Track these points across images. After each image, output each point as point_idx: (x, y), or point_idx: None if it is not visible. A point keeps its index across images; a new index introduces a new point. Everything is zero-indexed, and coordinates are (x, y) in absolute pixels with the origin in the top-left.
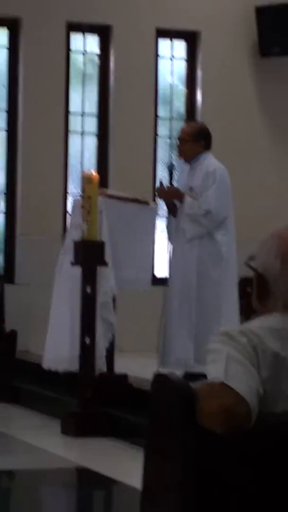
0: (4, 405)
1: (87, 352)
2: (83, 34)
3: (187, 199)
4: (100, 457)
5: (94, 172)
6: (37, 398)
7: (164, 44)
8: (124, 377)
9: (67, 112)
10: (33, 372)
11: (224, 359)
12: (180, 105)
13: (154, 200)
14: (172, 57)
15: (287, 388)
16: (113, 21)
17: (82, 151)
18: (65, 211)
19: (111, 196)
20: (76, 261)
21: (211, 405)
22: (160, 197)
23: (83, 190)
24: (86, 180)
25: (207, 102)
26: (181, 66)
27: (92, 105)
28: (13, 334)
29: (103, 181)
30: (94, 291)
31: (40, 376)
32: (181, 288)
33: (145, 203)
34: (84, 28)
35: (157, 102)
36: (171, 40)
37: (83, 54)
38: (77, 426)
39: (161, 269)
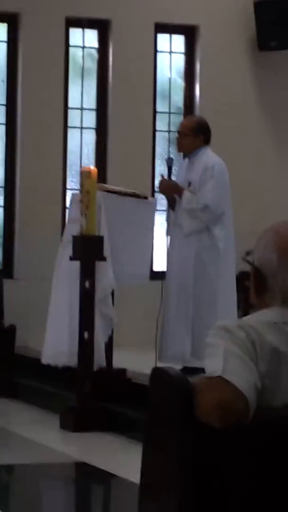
0: (3, 400)
1: (85, 347)
2: (82, 29)
3: (186, 194)
4: (98, 452)
5: (92, 167)
6: (35, 393)
7: (162, 39)
8: (122, 371)
9: (66, 106)
10: (32, 367)
11: (222, 353)
12: (178, 99)
13: (152, 194)
14: (170, 51)
15: (285, 383)
16: (112, 16)
17: (81, 145)
18: (64, 206)
19: (109, 191)
20: (75, 256)
21: (209, 400)
22: (161, 191)
23: (82, 185)
24: (85, 174)
25: (206, 97)
26: (179, 61)
27: (91, 100)
28: (12, 329)
29: (102, 175)
30: (92, 286)
31: (39, 371)
32: (178, 282)
33: (144, 197)
34: (83, 23)
35: (155, 96)
36: (169, 34)
37: (82, 48)
38: (76, 421)
39: (159, 263)
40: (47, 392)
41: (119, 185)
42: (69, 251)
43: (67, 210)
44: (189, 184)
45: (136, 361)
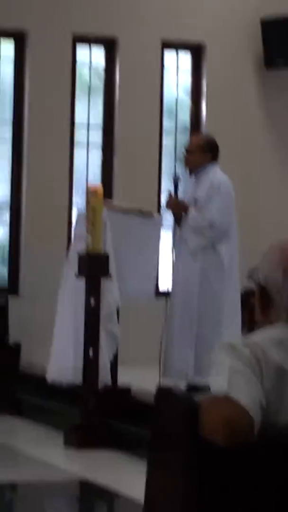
0: (7, 417)
1: (90, 364)
2: (89, 46)
3: (192, 211)
4: (103, 470)
5: (99, 185)
6: (40, 410)
7: (169, 56)
8: (127, 389)
9: (72, 124)
10: (36, 384)
11: (228, 371)
12: (185, 117)
13: (158, 211)
14: (177, 69)
15: None
16: (119, 33)
17: (87, 163)
18: (69, 224)
19: (113, 208)
20: (80, 273)
21: (214, 418)
22: (168, 208)
23: (88, 203)
24: (91, 192)
25: (212, 114)
26: (186, 78)
27: (97, 117)
28: (16, 346)
29: (108, 192)
30: (98, 303)
31: (44, 388)
32: (183, 299)
33: (149, 214)
34: (90, 40)
35: (162, 114)
36: (176, 52)
37: (89, 66)
38: (80, 438)
39: (164, 282)
40: (51, 409)
41: (125, 202)
42: (74, 269)
43: (72, 228)
44: (195, 201)
45: (140, 377)
